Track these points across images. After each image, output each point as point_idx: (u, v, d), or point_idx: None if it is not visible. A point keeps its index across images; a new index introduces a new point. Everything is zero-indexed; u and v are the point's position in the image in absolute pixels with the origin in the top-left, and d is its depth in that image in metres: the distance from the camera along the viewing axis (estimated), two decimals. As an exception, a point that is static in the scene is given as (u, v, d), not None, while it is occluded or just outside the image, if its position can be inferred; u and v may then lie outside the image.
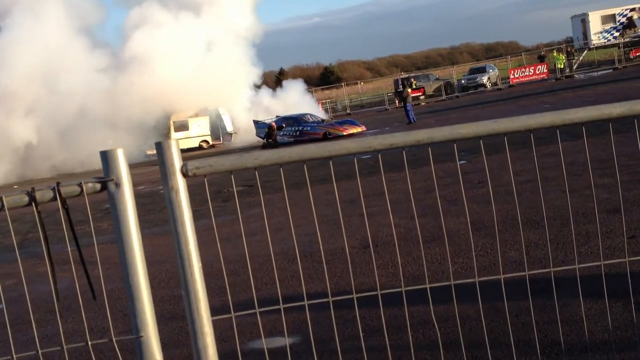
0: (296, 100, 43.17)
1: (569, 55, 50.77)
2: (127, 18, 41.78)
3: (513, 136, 2.21)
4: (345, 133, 29.87)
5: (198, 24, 41.25)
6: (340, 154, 1.90)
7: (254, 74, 45.05)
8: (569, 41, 58.94)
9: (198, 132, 38.65)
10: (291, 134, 31.91)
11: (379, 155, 2.03)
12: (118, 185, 1.87)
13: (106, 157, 1.88)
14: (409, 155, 2.26)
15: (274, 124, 32.58)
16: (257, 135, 35.21)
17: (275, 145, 30.94)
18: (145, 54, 38.04)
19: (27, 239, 12.83)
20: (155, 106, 37.17)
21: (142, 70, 37.48)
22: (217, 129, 39.92)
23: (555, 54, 50.25)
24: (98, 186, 1.87)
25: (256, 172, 2.01)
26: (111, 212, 1.86)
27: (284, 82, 49.78)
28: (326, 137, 29.98)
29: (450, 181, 11.44)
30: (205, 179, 2.04)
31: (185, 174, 1.90)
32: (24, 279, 2.33)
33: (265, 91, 45.90)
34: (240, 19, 43.34)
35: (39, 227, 1.90)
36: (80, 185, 1.87)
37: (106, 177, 1.87)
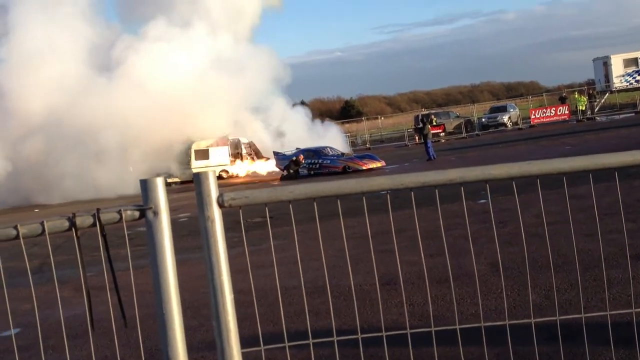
0: (329, 135, 43.55)
1: (591, 97, 50.72)
2: (144, 36, 42.09)
3: (532, 177, 2.21)
4: (364, 168, 29.90)
5: (215, 47, 41.74)
6: (374, 190, 1.92)
7: (281, 104, 45.49)
8: (590, 83, 58.90)
9: (219, 162, 38.73)
10: (311, 166, 31.98)
11: (412, 193, 2.05)
12: (156, 213, 1.90)
13: (145, 186, 1.91)
14: (429, 192, 2.27)
15: (301, 156, 32.63)
16: (278, 166, 35.29)
17: (295, 176, 31.02)
18: (163, 77, 38.41)
19: (45, 263, 12.90)
20: (173, 132, 37.44)
21: (158, 94, 37.85)
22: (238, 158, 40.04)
23: (577, 95, 50.19)
24: (137, 214, 1.90)
25: (290, 205, 2.03)
26: (147, 240, 1.89)
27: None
28: (345, 171, 30.02)
29: (471, 220, 11.39)
30: (241, 210, 2.06)
31: (221, 205, 1.93)
32: (35, 303, 2.35)
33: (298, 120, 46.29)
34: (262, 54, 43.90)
35: (78, 252, 1.93)
36: (119, 212, 1.90)
37: (145, 205, 1.90)
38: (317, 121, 49.78)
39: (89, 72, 38.85)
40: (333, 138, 43.30)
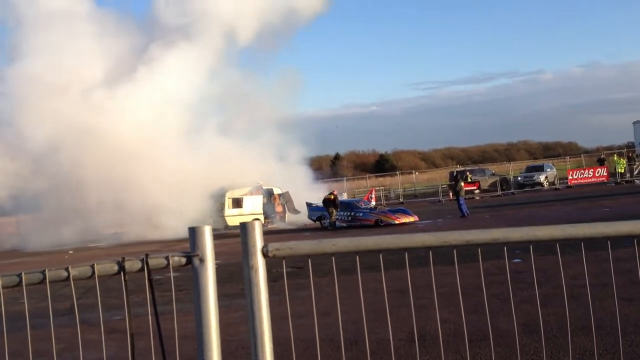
0: None
1: (630, 160, 50.22)
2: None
3: (576, 240, 2.22)
4: (397, 222, 29.81)
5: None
6: (417, 247, 1.95)
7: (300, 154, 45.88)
8: (630, 146, 58.38)
9: (252, 210, 38.92)
10: (344, 218, 32.00)
11: (454, 251, 2.07)
12: (202, 261, 1.95)
13: (194, 233, 1.96)
14: (463, 249, 2.29)
15: (335, 192, 32.84)
16: (309, 217, 35.36)
17: (333, 226, 31.25)
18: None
19: (77, 304, 13.00)
20: (204, 180, 37.85)
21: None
22: (270, 208, 40.21)
23: (615, 158, 49.73)
24: (184, 260, 1.95)
25: (332, 258, 2.07)
26: (193, 286, 1.93)
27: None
28: (378, 225, 29.97)
29: (504, 279, 11.27)
30: (284, 261, 2.10)
31: (265, 255, 1.97)
32: (53, 344, 2.39)
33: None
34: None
35: (125, 296, 1.98)
36: (167, 258, 1.95)
37: (192, 252, 1.95)
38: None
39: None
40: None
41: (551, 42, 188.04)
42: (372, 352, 7.65)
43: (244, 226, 1.96)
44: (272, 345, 1.98)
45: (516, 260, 12.83)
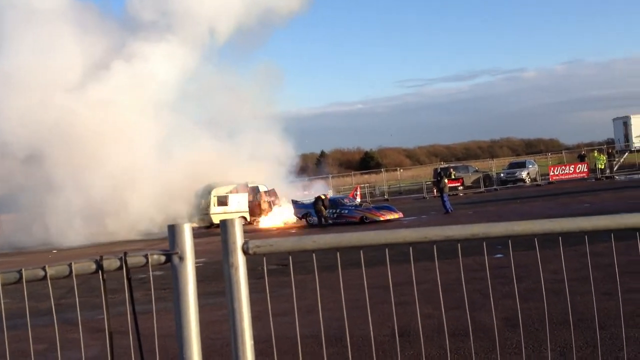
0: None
1: (610, 156, 50.64)
2: None
3: (554, 234, 2.24)
4: (382, 219, 29.88)
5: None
6: (398, 242, 1.96)
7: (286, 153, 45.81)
8: (610, 142, 58.83)
9: (237, 208, 38.84)
10: (329, 215, 32.04)
11: (434, 246, 2.08)
12: (182, 259, 1.94)
13: (173, 231, 1.95)
14: (445, 245, 2.30)
15: (324, 196, 32.76)
16: (295, 215, 35.35)
17: (321, 224, 31.23)
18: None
19: (59, 304, 12.93)
20: (189, 178, 37.73)
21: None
22: (256, 206, 40.16)
23: (596, 154, 50.14)
24: (163, 258, 1.95)
25: (313, 255, 2.07)
26: (173, 284, 1.92)
27: None
28: (363, 222, 30.03)
29: (486, 274, 11.34)
30: (264, 258, 2.10)
31: (245, 252, 1.97)
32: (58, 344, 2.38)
33: None
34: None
35: (103, 295, 1.97)
36: (145, 256, 1.94)
37: (171, 250, 1.94)
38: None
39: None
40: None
41: (533, 40, 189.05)
42: (357, 348, 7.67)
43: (224, 223, 1.96)
44: (252, 342, 1.98)
45: (498, 256, 12.91)
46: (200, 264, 17.57)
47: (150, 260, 1.95)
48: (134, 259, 1.95)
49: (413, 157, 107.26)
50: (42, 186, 36.89)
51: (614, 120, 56.13)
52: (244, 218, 39.18)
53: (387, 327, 8.53)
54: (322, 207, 31.60)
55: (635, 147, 52.02)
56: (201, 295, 9.11)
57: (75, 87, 38.14)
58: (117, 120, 37.54)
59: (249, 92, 45.70)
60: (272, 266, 14.78)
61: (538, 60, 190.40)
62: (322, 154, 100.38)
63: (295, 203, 36.22)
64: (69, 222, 36.05)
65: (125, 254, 1.96)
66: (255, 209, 39.60)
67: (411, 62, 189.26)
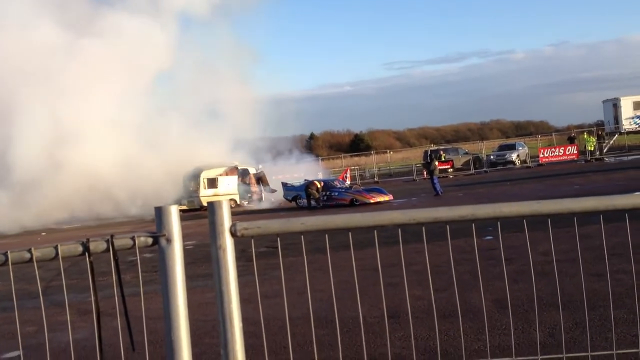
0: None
1: (600, 138, 50.82)
2: None
3: (543, 216, 2.23)
4: (372, 201, 29.90)
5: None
6: (385, 224, 1.95)
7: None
8: (599, 124, 59.00)
9: (227, 191, 38.79)
10: (319, 197, 32.06)
11: (423, 228, 2.08)
12: (169, 241, 1.93)
13: (160, 213, 1.93)
14: (436, 227, 2.29)
15: (319, 183, 32.68)
16: (285, 197, 35.35)
17: (310, 206, 31.20)
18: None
19: (50, 286, 12.90)
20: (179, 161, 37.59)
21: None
22: (246, 188, 40.13)
23: (585, 136, 50.29)
24: (150, 240, 1.93)
25: (302, 237, 2.06)
26: (159, 266, 1.91)
27: None
28: (353, 204, 30.04)
29: (477, 256, 11.38)
30: (252, 240, 2.09)
31: (233, 234, 1.95)
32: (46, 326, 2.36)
33: None
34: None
35: (90, 277, 1.95)
36: (132, 238, 1.93)
37: (158, 232, 1.92)
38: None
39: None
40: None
41: (522, 21, 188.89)
42: (348, 330, 7.69)
43: (211, 205, 1.94)
44: (241, 324, 1.97)
45: (488, 238, 12.95)
46: (191, 246, 17.56)
47: (137, 242, 1.93)
48: (121, 241, 1.94)
49: (403, 140, 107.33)
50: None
51: (603, 102, 56.27)
52: (234, 200, 39.15)
53: (378, 308, 8.56)
54: (315, 192, 31.59)
55: (624, 129, 52.20)
56: (192, 277, 9.18)
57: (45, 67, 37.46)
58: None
59: (227, 72, 45.34)
60: (263, 248, 14.79)
61: (527, 42, 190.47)
62: (312, 136, 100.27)
63: (285, 185, 36.21)
64: (58, 206, 35.89)
65: (112, 236, 1.95)
66: (245, 191, 39.59)
67: (398, 44, 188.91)
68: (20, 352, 7.56)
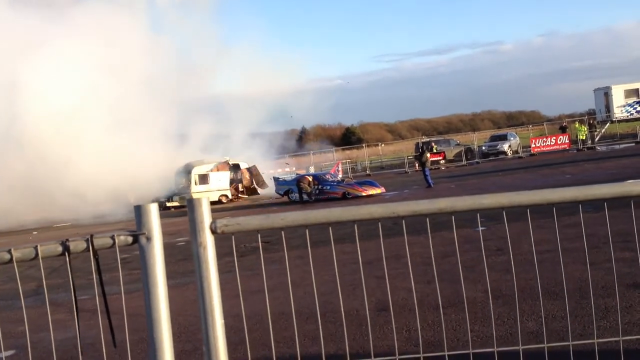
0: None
1: (591, 127, 50.94)
2: None
3: (523, 207, 2.24)
4: (364, 194, 29.93)
5: None
6: (365, 219, 1.95)
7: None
8: (591, 113, 59.14)
9: (218, 186, 38.78)
10: (312, 191, 32.08)
11: (403, 221, 2.08)
12: (149, 239, 1.92)
13: (139, 212, 1.93)
14: (430, 219, 2.30)
15: (308, 178, 32.64)
16: (277, 192, 35.35)
17: (302, 200, 31.21)
18: None
19: (42, 285, 12.87)
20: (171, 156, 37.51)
21: None
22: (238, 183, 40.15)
23: (577, 125, 50.41)
24: (130, 239, 1.93)
25: (282, 232, 2.06)
26: (140, 264, 1.91)
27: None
28: (345, 197, 30.06)
29: (469, 247, 11.40)
30: (233, 237, 2.09)
31: (214, 231, 1.95)
32: (26, 325, 2.36)
33: None
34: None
35: (70, 276, 1.95)
36: (112, 237, 1.93)
37: (138, 231, 1.92)
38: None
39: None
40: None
41: (511, 12, 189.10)
42: (339, 323, 7.70)
43: (190, 202, 1.95)
44: (222, 321, 1.97)
45: (481, 228, 12.99)
46: (183, 243, 17.55)
47: (117, 241, 1.93)
48: (101, 240, 1.93)
49: (394, 132, 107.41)
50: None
51: (594, 91, 56.34)
52: (226, 196, 39.14)
53: (371, 301, 8.58)
54: (307, 186, 31.59)
55: (616, 118, 52.34)
56: (184, 274, 9.16)
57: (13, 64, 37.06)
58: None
59: (203, 66, 45.08)
60: (254, 244, 14.81)
61: (515, 33, 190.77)
62: (303, 129, 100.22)
63: (276, 180, 36.21)
64: (50, 204, 35.77)
65: (91, 235, 1.95)
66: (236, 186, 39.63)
67: (388, 36, 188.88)
68: (7, 352, 7.55)
